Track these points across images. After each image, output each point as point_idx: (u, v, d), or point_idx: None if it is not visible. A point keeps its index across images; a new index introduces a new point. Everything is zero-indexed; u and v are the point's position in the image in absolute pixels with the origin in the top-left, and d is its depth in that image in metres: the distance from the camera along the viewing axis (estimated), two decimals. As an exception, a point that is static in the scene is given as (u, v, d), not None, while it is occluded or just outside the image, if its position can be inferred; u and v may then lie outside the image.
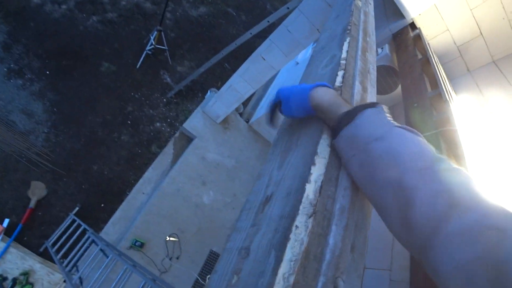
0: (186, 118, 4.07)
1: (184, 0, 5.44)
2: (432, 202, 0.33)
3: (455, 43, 2.43)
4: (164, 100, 4.49)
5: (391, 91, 2.63)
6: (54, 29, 4.23)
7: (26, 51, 4.00)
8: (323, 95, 0.52)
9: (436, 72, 1.77)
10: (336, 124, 0.48)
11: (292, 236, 0.33)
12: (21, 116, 3.70)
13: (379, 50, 2.51)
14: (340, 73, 0.58)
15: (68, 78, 4.02)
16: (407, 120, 1.68)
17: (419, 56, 2.09)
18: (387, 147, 0.39)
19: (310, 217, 0.35)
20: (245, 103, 5.28)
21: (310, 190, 0.37)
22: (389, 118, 0.44)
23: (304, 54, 4.40)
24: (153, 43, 4.22)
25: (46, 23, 4.22)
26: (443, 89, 1.61)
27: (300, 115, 0.57)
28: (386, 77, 2.58)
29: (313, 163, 0.40)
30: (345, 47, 0.68)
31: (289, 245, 0.33)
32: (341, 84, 0.56)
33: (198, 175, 3.82)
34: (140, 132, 4.12)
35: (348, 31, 0.77)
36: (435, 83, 1.76)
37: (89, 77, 4.12)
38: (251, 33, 2.86)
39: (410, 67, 2.06)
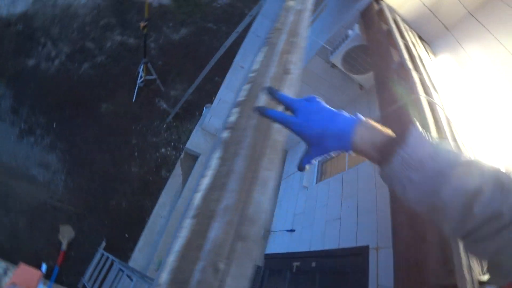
0: (188, 138, 4.24)
1: (164, 27, 5.67)
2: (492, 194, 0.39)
3: (424, 5, 2.43)
4: (164, 125, 4.69)
5: (368, 71, 2.66)
6: (52, 84, 4.55)
7: (32, 110, 4.32)
8: (365, 140, 0.49)
9: (397, 42, 1.79)
10: (385, 151, 0.47)
11: (178, 234, 0.43)
12: (39, 169, 3.99)
13: (350, 31, 2.54)
14: (246, 87, 0.66)
15: (73, 126, 4.30)
16: (380, 96, 1.72)
17: (385, 29, 2.10)
18: (445, 161, 0.43)
19: (193, 218, 0.45)
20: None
21: (196, 197, 0.47)
22: (428, 137, 0.47)
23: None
24: (142, 75, 4.44)
25: (44, 80, 4.55)
26: (405, 58, 1.64)
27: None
28: (363, 56, 2.61)
29: (203, 175, 0.50)
30: (259, 57, 0.77)
31: (176, 241, 0.43)
32: (245, 98, 0.64)
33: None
34: (148, 160, 4.32)
35: (268, 39, 0.86)
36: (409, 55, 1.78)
37: (92, 121, 4.38)
38: (225, 46, 2.98)
39: (377, 42, 2.08)
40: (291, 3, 1.14)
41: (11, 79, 4.41)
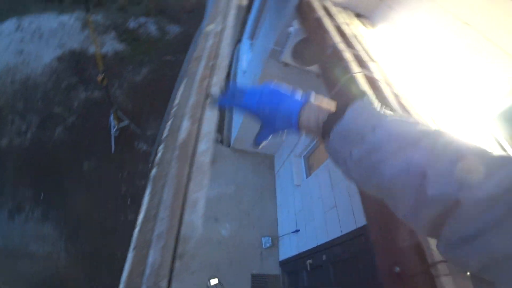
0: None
1: (124, 72, 5.77)
2: (448, 171, 0.33)
3: None
4: (150, 165, 4.71)
5: (315, 62, 2.77)
6: (30, 157, 4.55)
7: (16, 187, 4.30)
8: (310, 119, 0.50)
9: (327, 27, 1.87)
10: (325, 127, 0.46)
11: (124, 267, 0.50)
12: (37, 243, 3.95)
13: (291, 28, 2.66)
14: (169, 122, 0.73)
15: (60, 192, 4.29)
16: (325, 82, 1.80)
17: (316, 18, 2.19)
18: (386, 135, 0.38)
19: (133, 251, 0.51)
20: (219, 130, 5.49)
21: (135, 232, 0.54)
22: (377, 108, 0.44)
23: (246, 64, 4.61)
24: (115, 124, 4.49)
25: (21, 155, 4.54)
26: (336, 41, 1.71)
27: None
28: (309, 47, 2.71)
29: (139, 212, 0.57)
30: (180, 90, 0.85)
31: (123, 273, 0.49)
32: (168, 133, 0.72)
33: (208, 216, 3.98)
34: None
35: (187, 70, 0.94)
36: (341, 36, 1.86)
37: (77, 181, 4.39)
38: (181, 75, 3.08)
39: (312, 33, 2.17)
40: (210, 28, 1.23)
41: (-13, 164, 4.40)
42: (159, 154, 0.70)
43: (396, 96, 1.40)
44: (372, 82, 1.43)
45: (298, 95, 0.55)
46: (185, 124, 0.78)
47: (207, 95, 0.67)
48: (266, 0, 4.51)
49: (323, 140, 0.48)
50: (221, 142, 5.21)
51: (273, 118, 0.55)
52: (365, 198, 1.16)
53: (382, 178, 0.38)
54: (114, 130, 4.60)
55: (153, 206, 0.60)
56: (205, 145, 0.75)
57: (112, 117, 4.50)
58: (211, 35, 1.21)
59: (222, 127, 5.59)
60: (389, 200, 0.40)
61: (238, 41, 7.73)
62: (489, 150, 0.34)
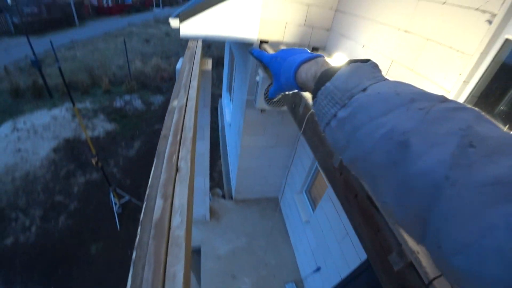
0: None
1: (118, 149, 5.98)
2: (440, 142, 0.25)
3: (301, 25, 2.82)
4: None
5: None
6: (37, 251, 4.48)
7: (25, 284, 4.17)
8: (308, 74, 0.47)
9: None
10: (317, 83, 0.41)
11: None
12: None
13: (257, 77, 2.86)
14: (143, 207, 0.79)
15: (72, 281, 4.15)
16: (294, 117, 1.90)
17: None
18: (375, 93, 0.32)
19: None
20: (219, 185, 5.53)
21: None
22: (378, 72, 0.38)
23: (229, 117, 4.83)
24: (116, 202, 4.53)
25: (28, 251, 4.48)
26: None
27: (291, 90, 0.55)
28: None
29: None
30: (151, 173, 0.93)
31: None
32: (143, 216, 0.77)
33: (225, 274, 3.83)
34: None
35: (157, 151, 1.03)
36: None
37: (87, 266, 4.27)
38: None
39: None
40: (174, 104, 1.36)
41: (-5, 270, 4.32)
42: (137, 238, 0.75)
43: None
44: None
45: (306, 52, 0.54)
46: (158, 203, 0.83)
47: (249, 50, 0.75)
48: (233, 55, 4.90)
49: (313, 98, 0.42)
50: (224, 196, 5.22)
51: (279, 73, 0.55)
52: (359, 225, 1.18)
53: (360, 147, 0.31)
54: (116, 207, 4.62)
55: (135, 287, 0.63)
56: (179, 219, 0.80)
57: (112, 195, 4.55)
58: (176, 110, 1.32)
59: (221, 182, 5.64)
60: (368, 180, 0.32)
61: (218, 96, 8.14)
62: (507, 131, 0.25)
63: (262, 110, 3.16)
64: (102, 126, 7.12)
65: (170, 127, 1.20)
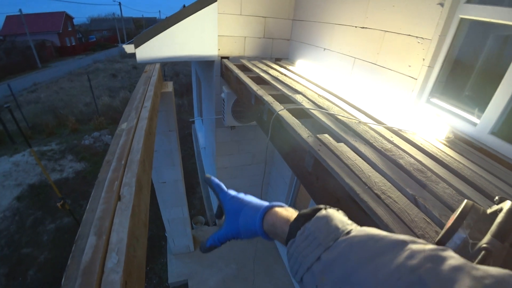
0: (167, 273, 3.91)
1: (90, 188, 5.60)
2: None
3: (260, 38, 2.81)
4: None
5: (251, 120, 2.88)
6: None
7: None
8: (277, 216, 0.47)
9: (242, 80, 1.96)
10: (291, 227, 0.42)
11: None
12: None
13: (222, 94, 2.79)
14: (72, 249, 0.66)
15: None
16: (263, 129, 1.82)
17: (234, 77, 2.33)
18: (365, 235, 0.33)
19: None
20: (201, 213, 5.30)
21: None
22: (340, 221, 0.38)
23: (203, 141, 4.70)
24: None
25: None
26: (254, 90, 1.74)
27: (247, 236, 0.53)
28: (244, 106, 2.82)
29: None
30: (87, 206, 0.79)
31: None
32: (70, 261, 0.64)
33: (216, 306, 3.54)
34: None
35: (97, 180, 0.90)
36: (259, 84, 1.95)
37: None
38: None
39: (238, 90, 2.28)
40: (122, 127, 1.24)
41: None
42: (61, 288, 0.60)
43: (331, 115, 1.42)
44: (300, 112, 1.46)
45: (259, 202, 0.55)
46: (90, 241, 0.69)
47: (205, 178, 0.67)
48: (199, 78, 4.87)
49: (288, 242, 0.42)
50: (207, 223, 4.98)
51: (237, 211, 0.54)
52: None
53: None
54: (90, 251, 4.23)
55: None
56: (115, 259, 0.66)
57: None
58: (124, 133, 1.20)
59: (203, 208, 5.41)
60: None
61: (191, 121, 8.03)
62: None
63: (232, 127, 3.08)
64: (70, 167, 6.72)
65: (115, 152, 1.07)
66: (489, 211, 0.52)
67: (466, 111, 1.33)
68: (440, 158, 1.08)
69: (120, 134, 1.18)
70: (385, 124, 1.31)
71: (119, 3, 32.19)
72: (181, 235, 3.89)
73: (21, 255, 4.71)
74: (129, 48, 2.42)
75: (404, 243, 0.30)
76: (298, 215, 0.43)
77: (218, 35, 2.59)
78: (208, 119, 3.79)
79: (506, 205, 0.50)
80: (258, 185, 4.29)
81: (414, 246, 0.29)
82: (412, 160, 1.01)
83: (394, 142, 1.13)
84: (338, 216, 0.39)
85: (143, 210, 0.95)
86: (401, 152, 1.05)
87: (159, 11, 55.95)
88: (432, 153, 1.10)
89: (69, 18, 31.36)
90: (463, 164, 1.07)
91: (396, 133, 1.24)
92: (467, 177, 0.98)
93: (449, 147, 1.22)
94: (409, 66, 1.52)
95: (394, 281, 0.27)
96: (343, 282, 0.31)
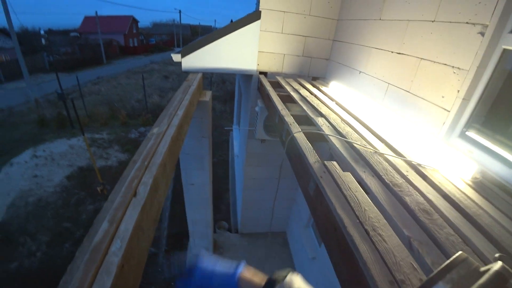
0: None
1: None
2: None
3: (298, 56, 2.88)
4: (159, 269, 4.51)
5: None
6: (38, 278, 4.42)
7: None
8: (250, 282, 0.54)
9: (271, 97, 2.03)
10: None
11: None
12: None
13: (256, 108, 2.90)
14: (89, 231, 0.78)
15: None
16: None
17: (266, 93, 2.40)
18: None
19: None
20: (226, 219, 5.41)
21: None
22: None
23: (237, 149, 4.85)
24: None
25: (29, 277, 4.43)
26: (279, 109, 1.81)
27: None
28: (268, 122, 2.88)
29: None
30: (109, 196, 0.92)
31: None
32: (84, 240, 0.75)
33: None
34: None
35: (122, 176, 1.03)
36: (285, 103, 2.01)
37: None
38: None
39: (268, 106, 2.35)
40: (153, 131, 1.38)
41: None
42: (72, 261, 0.71)
43: (347, 143, 1.42)
44: (316, 136, 1.48)
45: (226, 268, 0.59)
46: (103, 226, 0.80)
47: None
48: (240, 88, 5.06)
49: None
50: (229, 230, 5.07)
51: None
52: (337, 262, 1.09)
53: None
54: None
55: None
56: (118, 244, 0.76)
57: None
58: (153, 137, 1.34)
59: (229, 215, 5.53)
60: None
61: (229, 130, 8.29)
62: None
63: (262, 140, 3.16)
64: (115, 156, 7.35)
65: (141, 153, 1.20)
66: (482, 269, 0.51)
67: (508, 149, 1.20)
68: (457, 200, 1.03)
69: (150, 138, 1.32)
70: (404, 157, 1.28)
71: (179, 11, 34.74)
72: (203, 237, 4.01)
73: (62, 228, 5.24)
74: (176, 57, 2.64)
75: None
76: (269, 280, 0.51)
77: (259, 51, 2.71)
78: (242, 129, 3.93)
79: (495, 266, 0.47)
80: (283, 200, 4.29)
81: None
82: (421, 199, 0.99)
83: (408, 177, 1.10)
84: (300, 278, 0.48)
85: (155, 208, 1.06)
86: (411, 189, 1.03)
87: (215, 20, 59.25)
88: (449, 194, 1.05)
89: (134, 21, 34.55)
90: (484, 210, 1.00)
91: (414, 167, 1.21)
92: (483, 225, 0.92)
93: (473, 188, 1.14)
94: (443, 96, 1.46)
95: None
96: None
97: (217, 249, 4.32)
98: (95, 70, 20.37)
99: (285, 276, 0.50)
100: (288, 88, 2.28)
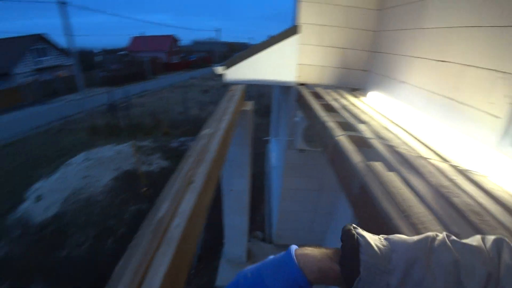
0: (217, 276, 4.15)
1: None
2: None
3: (335, 67, 2.91)
4: (193, 271, 4.63)
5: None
6: (83, 267, 4.77)
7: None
8: (311, 256, 0.44)
9: (312, 107, 2.08)
10: (347, 264, 0.41)
11: None
12: None
13: (296, 118, 2.96)
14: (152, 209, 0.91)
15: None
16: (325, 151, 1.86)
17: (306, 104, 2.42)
18: (403, 242, 0.41)
19: None
20: (261, 229, 5.43)
21: None
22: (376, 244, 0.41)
23: (274, 160, 4.91)
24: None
25: (76, 265, 4.81)
26: (320, 115, 1.83)
27: None
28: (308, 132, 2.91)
29: None
30: (168, 183, 1.04)
31: None
32: (148, 215, 0.87)
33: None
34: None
35: (177, 169, 1.15)
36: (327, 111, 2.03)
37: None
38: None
39: (309, 114, 2.38)
40: (204, 132, 1.51)
41: (47, 273, 4.71)
42: (140, 229, 0.82)
43: (390, 147, 1.40)
44: (358, 140, 1.48)
45: (277, 260, 0.47)
46: (165, 205, 0.92)
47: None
48: (278, 101, 5.17)
49: (345, 281, 0.41)
50: (264, 240, 5.07)
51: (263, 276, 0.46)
52: None
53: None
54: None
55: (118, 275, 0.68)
56: (178, 221, 0.86)
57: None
58: (204, 137, 1.47)
59: (264, 225, 5.55)
60: None
61: (266, 140, 8.40)
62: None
63: (301, 150, 3.20)
64: (157, 163, 7.82)
65: (196, 149, 1.32)
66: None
67: None
68: (511, 206, 0.99)
69: (202, 137, 1.45)
70: (450, 162, 1.25)
71: (218, 29, 36.65)
72: (238, 244, 4.08)
73: (107, 225, 5.68)
74: (218, 69, 2.83)
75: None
76: (344, 251, 0.42)
77: (298, 63, 2.81)
78: (281, 140, 4.00)
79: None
80: (324, 213, 4.19)
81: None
82: (471, 201, 0.96)
83: (455, 180, 1.08)
84: (374, 236, 0.42)
85: (207, 196, 1.17)
86: (459, 191, 1.01)
87: (251, 38, 61.27)
88: (501, 199, 1.02)
89: (174, 40, 37.47)
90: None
91: (462, 172, 1.18)
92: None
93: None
94: (491, 103, 1.41)
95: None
96: None
97: (251, 258, 4.35)
98: (141, 84, 22.08)
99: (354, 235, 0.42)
100: (328, 98, 2.33)
